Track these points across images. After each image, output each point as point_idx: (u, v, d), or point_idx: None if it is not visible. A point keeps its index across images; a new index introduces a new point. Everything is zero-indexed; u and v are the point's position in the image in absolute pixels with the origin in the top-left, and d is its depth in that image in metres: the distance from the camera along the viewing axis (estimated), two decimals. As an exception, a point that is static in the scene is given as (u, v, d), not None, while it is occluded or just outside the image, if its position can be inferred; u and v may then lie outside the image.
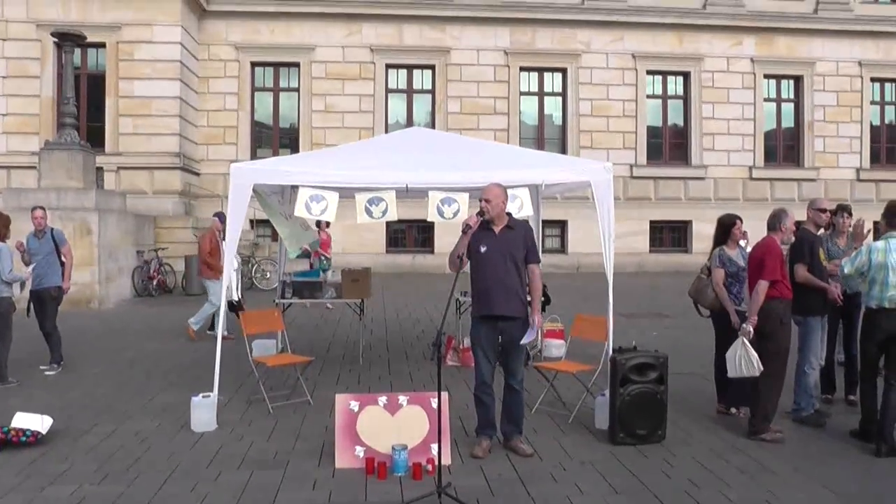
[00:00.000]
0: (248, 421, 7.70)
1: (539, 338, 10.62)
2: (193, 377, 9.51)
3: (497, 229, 6.60)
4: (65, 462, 6.41)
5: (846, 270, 7.13)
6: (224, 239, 12.42)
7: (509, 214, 6.80)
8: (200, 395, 7.50)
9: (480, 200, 6.59)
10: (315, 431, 7.27)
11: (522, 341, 6.70)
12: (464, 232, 6.44)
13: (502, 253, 6.56)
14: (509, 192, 7.99)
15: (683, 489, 5.86)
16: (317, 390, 8.80)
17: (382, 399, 6.53)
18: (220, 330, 8.25)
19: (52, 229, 10.35)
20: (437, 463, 5.66)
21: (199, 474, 6.12)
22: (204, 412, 7.41)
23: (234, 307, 11.10)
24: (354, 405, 6.43)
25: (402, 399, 6.52)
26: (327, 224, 16.53)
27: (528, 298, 6.84)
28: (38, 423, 6.91)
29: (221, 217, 12.43)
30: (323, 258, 16.45)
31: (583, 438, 7.16)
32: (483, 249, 6.55)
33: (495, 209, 6.57)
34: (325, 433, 7.10)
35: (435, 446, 6.08)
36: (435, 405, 6.24)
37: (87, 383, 9.40)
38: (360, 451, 6.28)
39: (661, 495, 5.72)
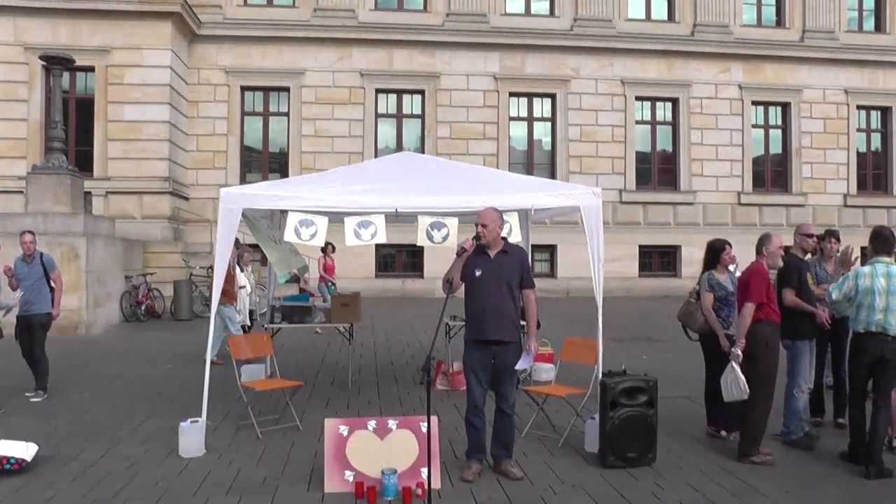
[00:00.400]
0: (237, 446, 7.65)
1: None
2: (181, 402, 9.47)
3: (492, 253, 6.61)
4: (50, 489, 6.34)
5: (834, 297, 7.18)
6: (237, 265, 12.45)
7: (504, 239, 6.82)
8: (189, 420, 7.44)
9: (476, 225, 6.60)
10: (304, 456, 7.22)
11: (518, 367, 6.72)
12: (458, 255, 6.46)
13: (497, 277, 6.56)
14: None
15: (674, 513, 5.84)
16: (306, 415, 8.76)
17: (372, 423, 6.50)
18: (209, 354, 8.21)
19: (41, 254, 10.23)
20: (426, 487, 5.63)
21: (187, 501, 6.07)
22: (192, 437, 7.35)
23: (246, 330, 11.08)
24: (344, 429, 6.40)
25: (392, 423, 6.50)
26: (333, 249, 16.55)
27: (523, 323, 6.85)
28: (22, 450, 6.82)
29: (237, 242, 12.42)
30: (329, 283, 16.39)
31: (573, 461, 7.14)
32: (478, 273, 6.56)
33: (491, 234, 6.59)
34: (314, 458, 7.06)
35: (425, 470, 6.05)
36: (424, 429, 6.22)
37: (73, 409, 9.32)
38: (349, 475, 6.25)
39: (652, 519, 5.71)
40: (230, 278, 12.21)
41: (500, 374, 6.65)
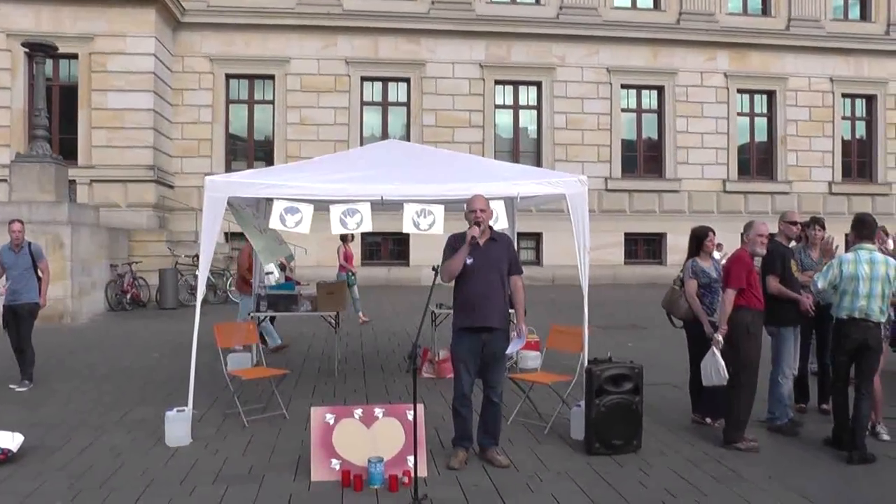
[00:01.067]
0: (224, 435, 7.64)
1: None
2: (168, 391, 9.45)
3: (482, 241, 6.57)
4: (36, 479, 6.31)
5: (819, 286, 7.20)
6: None
7: (490, 227, 6.83)
8: (175, 409, 7.42)
9: (473, 211, 6.55)
10: (291, 445, 7.22)
11: (509, 350, 6.78)
12: (473, 245, 6.44)
13: (488, 265, 6.57)
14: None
15: (659, 499, 5.88)
16: (292, 403, 8.75)
17: (358, 411, 6.50)
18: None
19: (30, 244, 10.15)
20: (413, 475, 5.65)
21: (174, 490, 6.06)
22: (178, 427, 7.33)
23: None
24: (330, 418, 6.40)
25: (378, 411, 6.50)
26: (352, 238, 16.39)
27: (511, 310, 6.87)
28: (8, 440, 6.79)
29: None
30: (350, 273, 16.20)
31: (559, 449, 7.16)
32: (469, 262, 6.53)
33: (489, 217, 6.68)
34: (300, 446, 7.06)
35: (411, 458, 6.06)
36: (411, 417, 6.22)
37: (59, 399, 9.29)
38: (336, 463, 6.26)
39: (637, 505, 5.74)
40: (252, 269, 12.21)
41: (488, 362, 6.65)
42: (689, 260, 8.16)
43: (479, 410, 6.80)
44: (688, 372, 8.27)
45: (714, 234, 8.23)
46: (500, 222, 8.34)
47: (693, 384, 8.11)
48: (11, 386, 9.83)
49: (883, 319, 7.04)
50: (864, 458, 6.75)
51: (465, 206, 6.77)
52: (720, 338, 7.17)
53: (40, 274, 10.15)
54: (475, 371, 6.65)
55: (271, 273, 12.79)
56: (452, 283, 6.70)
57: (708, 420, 8.00)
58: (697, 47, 26.57)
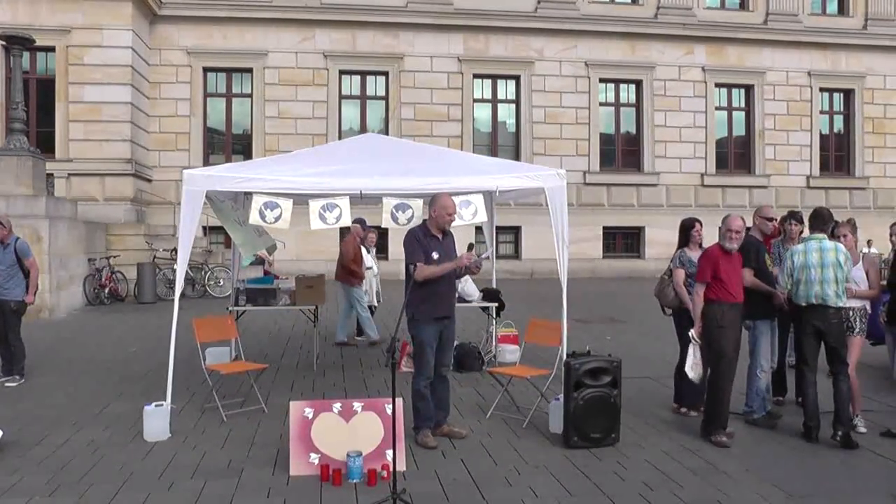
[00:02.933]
0: (202, 429, 7.62)
1: (494, 343, 10.77)
2: (146, 386, 9.42)
3: (440, 236, 7.08)
4: (14, 474, 6.28)
5: (782, 283, 7.59)
6: (362, 246, 12.38)
7: None
8: (153, 404, 7.40)
9: (450, 215, 7.08)
10: (269, 439, 7.22)
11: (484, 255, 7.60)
12: (473, 271, 7.28)
13: (449, 258, 7.05)
14: (464, 198, 8.12)
15: (637, 491, 5.92)
16: (271, 397, 8.74)
17: (337, 405, 6.50)
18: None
19: (16, 240, 10.03)
20: (392, 469, 5.66)
21: (152, 484, 6.04)
22: (157, 421, 7.31)
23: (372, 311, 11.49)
24: (309, 412, 6.40)
25: (357, 405, 6.50)
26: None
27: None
28: (-14, 434, 6.78)
29: (363, 223, 12.39)
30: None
31: (537, 442, 7.19)
32: (436, 256, 6.95)
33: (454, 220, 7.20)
34: (279, 441, 7.05)
35: (390, 452, 6.08)
36: (389, 411, 6.24)
37: (37, 393, 9.23)
38: (314, 458, 6.26)
39: (615, 497, 5.77)
40: (358, 259, 12.18)
41: (446, 344, 7.23)
42: (678, 250, 8.27)
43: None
44: (669, 363, 8.31)
45: (701, 224, 8.35)
46: (479, 216, 8.37)
47: (678, 373, 8.19)
48: (2, 380, 9.81)
49: (841, 303, 7.25)
50: (847, 442, 6.93)
51: (433, 202, 7.14)
52: (694, 333, 7.29)
53: (28, 268, 10.06)
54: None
55: (370, 268, 12.78)
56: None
57: (684, 410, 8.11)
58: (675, 41, 26.67)
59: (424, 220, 7.40)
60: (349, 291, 12.54)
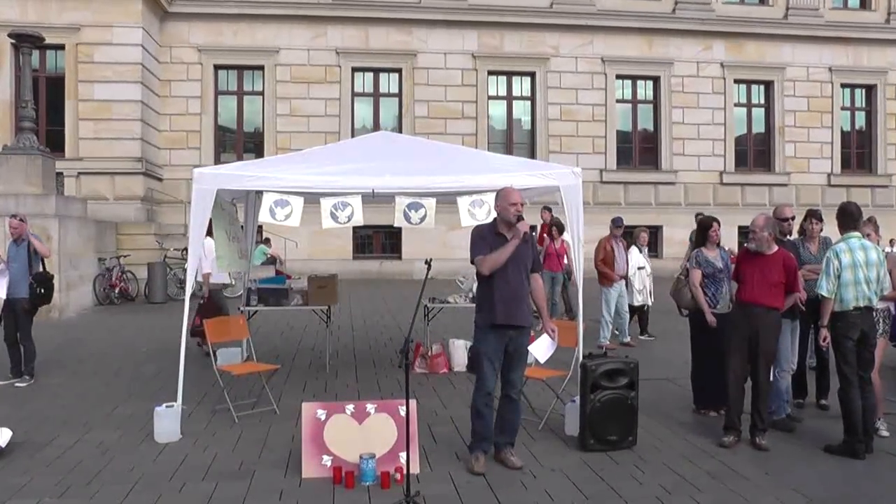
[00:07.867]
0: (213, 431, 7.56)
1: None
2: (157, 387, 9.38)
3: (508, 234, 6.43)
4: (24, 475, 6.24)
5: (826, 289, 6.90)
6: (634, 244, 12.58)
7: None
8: (164, 404, 7.36)
9: (514, 205, 6.40)
10: (281, 441, 7.15)
11: (546, 356, 6.76)
12: (525, 241, 6.34)
13: (517, 262, 6.38)
14: (478, 197, 7.96)
15: (655, 495, 5.82)
16: (283, 399, 8.67)
17: (350, 407, 6.43)
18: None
19: (32, 237, 10.21)
20: (405, 471, 5.57)
21: (163, 486, 5.99)
22: (167, 422, 7.27)
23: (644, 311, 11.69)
24: (321, 413, 6.32)
25: (370, 407, 6.43)
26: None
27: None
28: (-5, 435, 6.74)
29: (618, 221, 12.30)
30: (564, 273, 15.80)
31: (553, 445, 7.10)
32: None
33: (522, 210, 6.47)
34: (291, 442, 6.99)
35: (403, 454, 5.98)
36: (403, 413, 6.13)
37: (47, 394, 9.21)
38: (327, 460, 6.18)
39: (632, 501, 5.68)
40: (608, 260, 12.04)
41: (513, 360, 6.50)
42: (695, 249, 8.16)
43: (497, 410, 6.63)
44: (687, 364, 8.20)
45: (719, 224, 8.29)
46: (493, 214, 8.25)
47: (695, 376, 8.06)
48: (11, 379, 9.82)
49: (877, 304, 7.02)
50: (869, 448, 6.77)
51: (496, 198, 6.63)
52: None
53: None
54: (499, 369, 6.50)
55: (643, 268, 12.77)
56: (473, 283, 6.67)
57: (702, 411, 8.04)
58: (693, 37, 26.34)
59: (494, 218, 6.77)
60: (602, 292, 12.38)
